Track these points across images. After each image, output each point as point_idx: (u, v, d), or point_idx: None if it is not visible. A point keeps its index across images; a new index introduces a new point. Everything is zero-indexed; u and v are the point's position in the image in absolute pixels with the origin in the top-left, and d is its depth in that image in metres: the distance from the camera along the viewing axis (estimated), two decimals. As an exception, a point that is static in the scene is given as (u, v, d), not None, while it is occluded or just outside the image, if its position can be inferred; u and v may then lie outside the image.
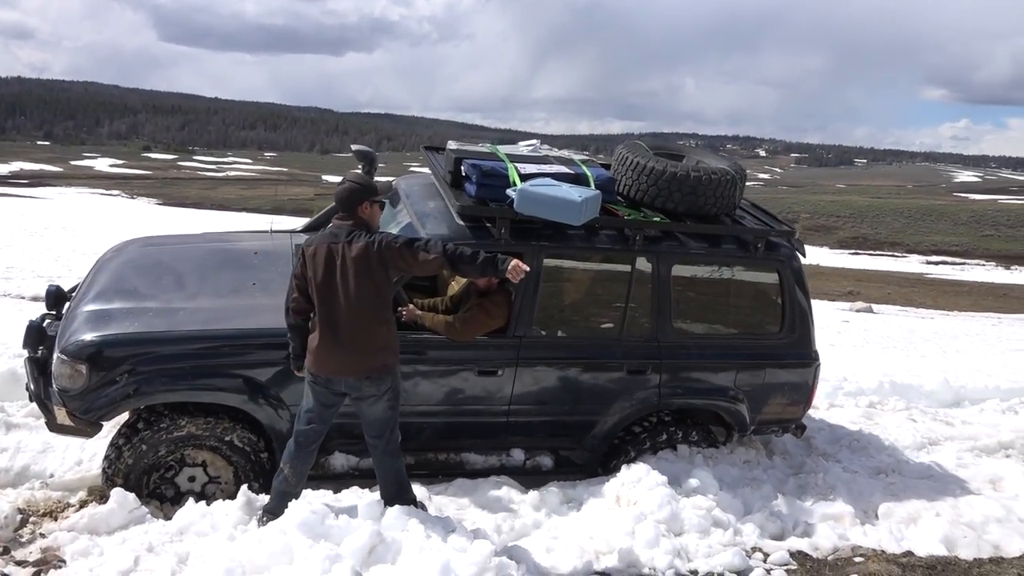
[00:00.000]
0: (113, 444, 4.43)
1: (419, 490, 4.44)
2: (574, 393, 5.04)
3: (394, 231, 4.98)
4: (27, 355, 4.72)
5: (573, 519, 4.66)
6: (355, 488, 4.42)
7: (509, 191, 4.69)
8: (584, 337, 5.11)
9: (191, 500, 4.29)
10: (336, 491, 4.33)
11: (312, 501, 3.98)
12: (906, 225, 68.72)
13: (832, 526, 4.88)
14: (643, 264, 5.02)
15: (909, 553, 4.71)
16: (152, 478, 4.48)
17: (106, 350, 4.28)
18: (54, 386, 4.37)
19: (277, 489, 4.11)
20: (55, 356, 4.38)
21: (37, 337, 4.76)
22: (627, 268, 5.03)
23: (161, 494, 4.51)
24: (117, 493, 4.28)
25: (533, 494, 4.80)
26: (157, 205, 61.53)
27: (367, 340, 3.93)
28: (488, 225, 4.78)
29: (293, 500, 3.98)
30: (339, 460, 4.82)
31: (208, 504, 4.23)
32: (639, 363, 5.08)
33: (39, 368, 4.62)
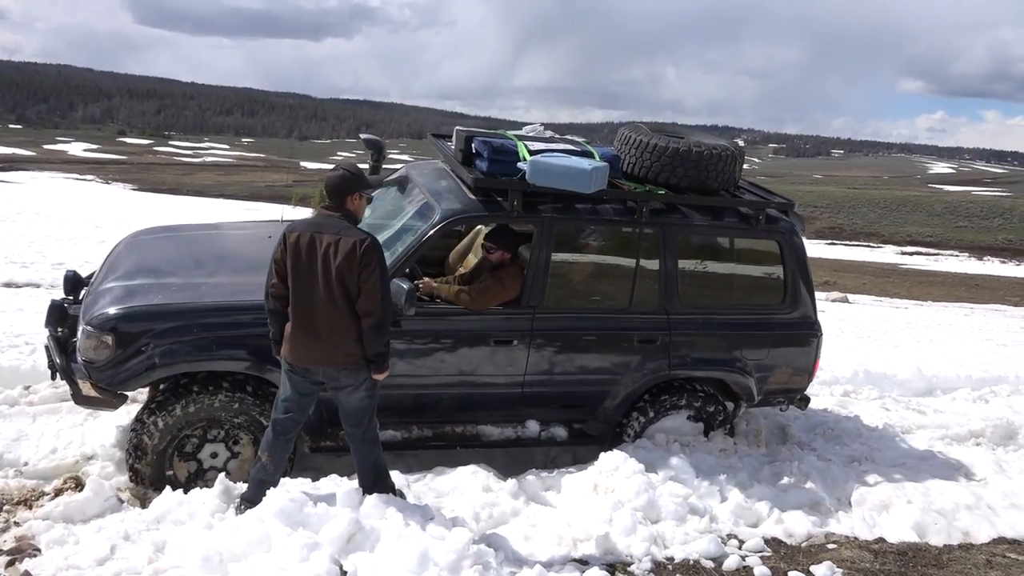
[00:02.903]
0: (169, 392, 4.50)
1: (397, 478, 4.45)
2: (586, 364, 5.15)
3: (408, 214, 5.09)
4: (49, 333, 4.79)
5: (551, 507, 4.69)
6: (333, 476, 4.43)
7: (520, 164, 4.83)
8: (595, 308, 5.22)
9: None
10: (315, 479, 4.33)
11: (290, 489, 3.98)
12: (882, 216, 69.37)
13: (806, 513, 4.95)
14: (650, 236, 5.15)
15: (881, 539, 4.79)
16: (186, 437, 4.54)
17: (130, 321, 4.38)
18: (79, 359, 4.46)
19: (255, 477, 4.10)
20: (81, 328, 4.46)
21: (59, 316, 4.86)
22: (634, 240, 5.17)
23: (185, 452, 4.56)
24: (93, 482, 4.26)
25: (511, 482, 4.82)
26: (132, 190, 60.72)
27: (345, 331, 3.90)
28: (499, 199, 4.90)
29: (271, 488, 3.98)
30: None
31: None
32: (649, 333, 5.19)
33: (61, 347, 4.69)
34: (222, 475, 4.29)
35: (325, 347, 3.91)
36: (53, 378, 4.85)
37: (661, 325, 5.22)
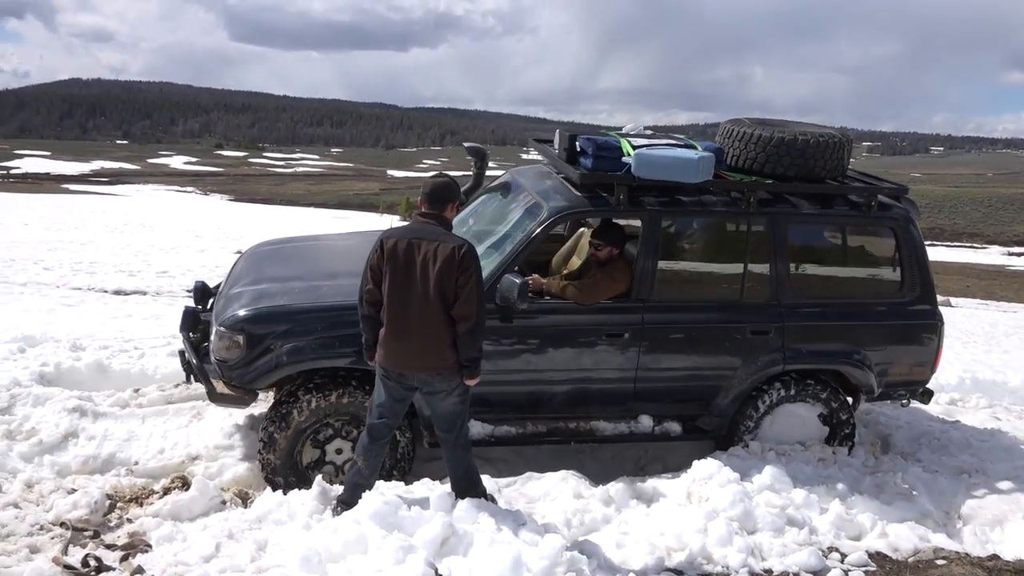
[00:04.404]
0: (328, 378, 4.70)
1: (489, 483, 4.46)
2: (697, 357, 5.14)
3: (515, 216, 5.19)
4: (184, 337, 5.12)
5: (643, 514, 4.61)
6: (426, 480, 4.49)
7: (624, 159, 4.88)
8: (705, 300, 5.22)
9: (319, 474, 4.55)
10: (407, 482, 4.39)
11: (385, 492, 4.04)
12: (986, 215, 66.10)
13: (912, 527, 4.72)
14: (758, 226, 5.11)
15: (995, 557, 4.53)
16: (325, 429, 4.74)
17: (260, 322, 4.63)
18: (213, 359, 4.76)
19: (351, 480, 4.18)
20: (214, 330, 4.75)
21: (193, 321, 5.23)
22: (743, 231, 5.16)
23: (317, 439, 4.75)
24: (198, 482, 4.45)
25: (602, 488, 4.78)
26: (229, 201, 63.20)
27: (440, 337, 3.93)
28: (604, 195, 4.96)
29: (366, 491, 4.05)
30: (475, 428, 4.90)
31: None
32: (761, 325, 5.13)
33: (194, 348, 4.99)
34: (319, 477, 4.41)
35: (420, 352, 3.96)
36: (188, 380, 5.15)
37: (774, 316, 5.14)
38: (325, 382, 4.69)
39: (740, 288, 5.16)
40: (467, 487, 4.18)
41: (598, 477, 4.99)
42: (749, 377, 5.19)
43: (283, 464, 4.65)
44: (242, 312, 4.68)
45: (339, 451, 4.78)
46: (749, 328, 5.13)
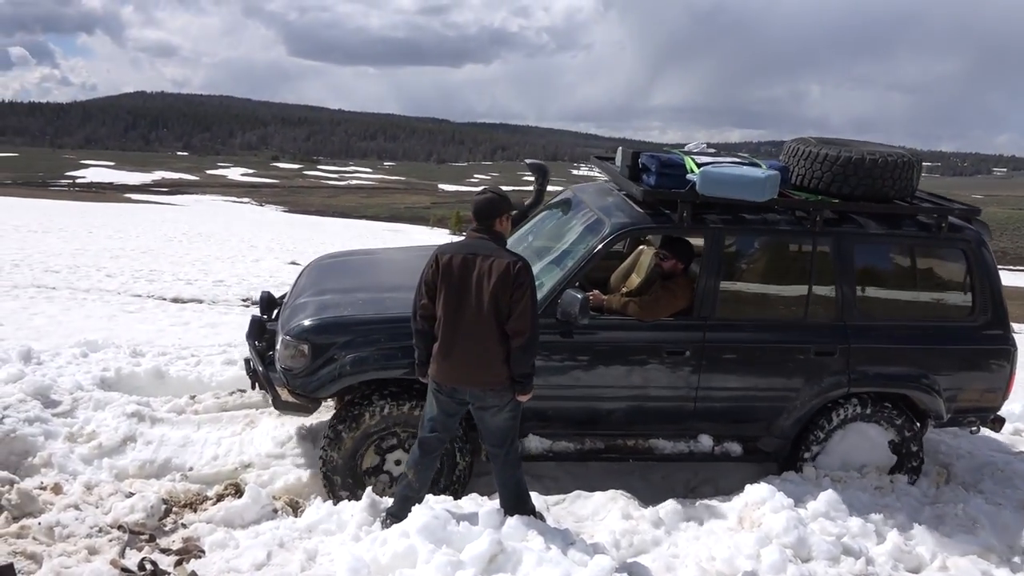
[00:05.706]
0: (403, 389, 4.73)
1: (537, 500, 4.44)
2: (760, 377, 5.07)
3: (576, 232, 5.21)
4: (250, 345, 5.22)
5: (693, 538, 4.53)
6: (474, 495, 4.48)
7: (689, 177, 4.85)
8: (768, 319, 5.15)
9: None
10: (456, 497, 4.39)
11: (434, 506, 4.04)
12: (1052, 239, 63.95)
13: (974, 561, 4.56)
14: (824, 245, 5.05)
15: (1062, 595, 4.35)
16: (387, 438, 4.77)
17: (325, 331, 4.71)
18: (278, 368, 4.84)
19: (400, 493, 4.20)
20: (280, 339, 4.84)
21: (259, 330, 5.34)
22: (808, 250, 5.09)
23: (381, 448, 4.78)
24: (251, 489, 4.51)
25: (652, 510, 4.72)
26: (283, 212, 64.39)
27: (493, 352, 3.94)
28: (667, 212, 4.95)
29: (416, 504, 4.06)
30: (533, 443, 4.92)
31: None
32: (826, 346, 5.04)
33: (260, 357, 5.09)
34: (369, 489, 4.43)
35: (473, 367, 3.96)
36: (253, 387, 5.25)
37: (839, 337, 5.05)
38: (400, 391, 4.72)
39: (804, 308, 5.07)
40: (516, 504, 4.17)
41: (648, 498, 4.92)
42: (812, 399, 5.09)
43: (344, 464, 4.69)
44: (307, 322, 4.75)
45: (398, 462, 4.79)
46: (813, 349, 5.04)
